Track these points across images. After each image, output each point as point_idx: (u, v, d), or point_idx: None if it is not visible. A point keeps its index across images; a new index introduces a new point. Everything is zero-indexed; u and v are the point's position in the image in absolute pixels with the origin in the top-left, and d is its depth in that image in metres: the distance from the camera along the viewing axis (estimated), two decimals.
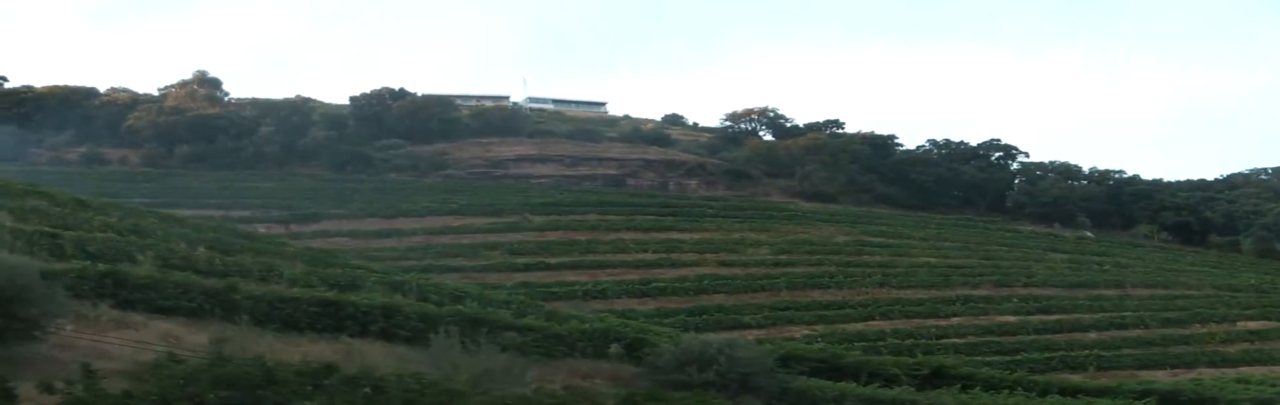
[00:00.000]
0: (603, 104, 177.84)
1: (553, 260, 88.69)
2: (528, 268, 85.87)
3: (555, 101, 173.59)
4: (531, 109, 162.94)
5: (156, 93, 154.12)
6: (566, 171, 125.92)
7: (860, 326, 77.33)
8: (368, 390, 22.15)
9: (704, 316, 73.38)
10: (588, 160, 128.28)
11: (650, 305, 78.70)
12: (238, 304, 34.27)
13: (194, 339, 32.88)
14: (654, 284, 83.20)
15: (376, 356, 29.14)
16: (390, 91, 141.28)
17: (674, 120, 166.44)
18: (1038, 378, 39.89)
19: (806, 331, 74.64)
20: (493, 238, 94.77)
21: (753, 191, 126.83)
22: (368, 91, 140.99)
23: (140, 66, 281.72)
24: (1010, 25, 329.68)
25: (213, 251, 42.92)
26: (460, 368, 26.32)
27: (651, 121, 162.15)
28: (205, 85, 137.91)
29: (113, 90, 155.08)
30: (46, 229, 38.34)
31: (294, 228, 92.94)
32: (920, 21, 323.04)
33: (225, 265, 39.81)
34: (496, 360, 30.41)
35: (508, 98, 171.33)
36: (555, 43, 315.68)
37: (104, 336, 31.59)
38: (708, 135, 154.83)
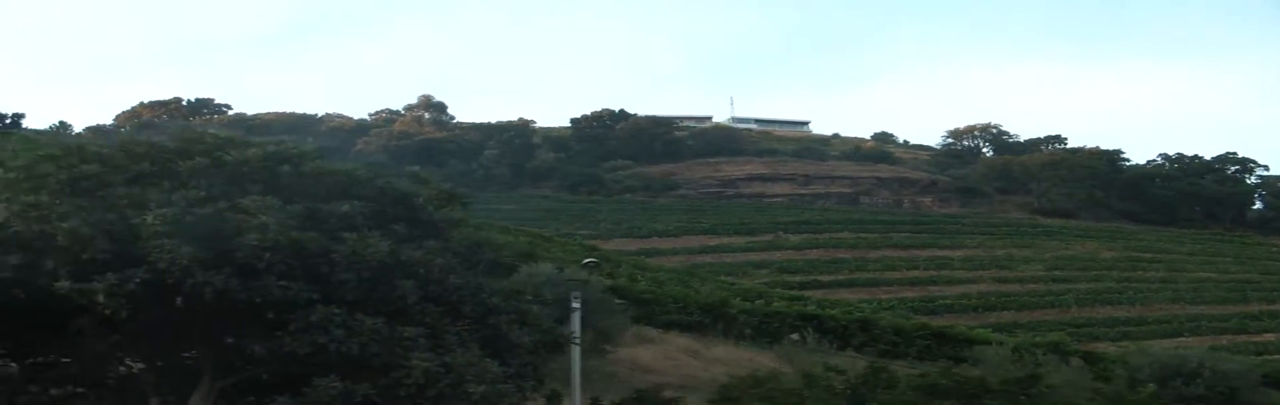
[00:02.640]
0: (806, 123, 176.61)
1: (825, 278, 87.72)
2: (802, 286, 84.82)
3: (758, 121, 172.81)
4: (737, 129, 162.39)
5: (368, 117, 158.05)
6: (799, 190, 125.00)
7: (1169, 343, 74.58)
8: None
9: None
10: (820, 179, 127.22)
11: (937, 323, 77.15)
12: (733, 318, 34.13)
13: (712, 353, 32.73)
14: (938, 301, 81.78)
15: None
16: (610, 113, 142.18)
17: (885, 138, 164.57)
18: None
19: (1113, 349, 72.38)
20: (753, 257, 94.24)
21: (990, 209, 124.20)
22: (588, 113, 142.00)
23: (339, 91, 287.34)
24: (1218, 35, 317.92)
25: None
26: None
27: (862, 140, 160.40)
28: (431, 109, 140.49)
29: (328, 116, 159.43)
30: None
31: None
32: (1124, 35, 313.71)
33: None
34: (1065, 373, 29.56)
35: (711, 118, 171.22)
36: (746, 62, 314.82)
37: (635, 350, 31.54)
38: (925, 153, 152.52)
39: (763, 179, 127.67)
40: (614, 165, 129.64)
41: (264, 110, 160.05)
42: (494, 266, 18.89)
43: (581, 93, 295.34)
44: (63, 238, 15.85)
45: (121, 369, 18.28)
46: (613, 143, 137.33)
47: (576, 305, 23.23)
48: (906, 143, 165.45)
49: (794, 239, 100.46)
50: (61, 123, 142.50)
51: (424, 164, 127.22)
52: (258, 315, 16.31)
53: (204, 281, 15.54)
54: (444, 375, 15.96)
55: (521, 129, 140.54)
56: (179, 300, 16.23)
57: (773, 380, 22.95)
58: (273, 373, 17.57)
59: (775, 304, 35.68)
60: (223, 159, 16.91)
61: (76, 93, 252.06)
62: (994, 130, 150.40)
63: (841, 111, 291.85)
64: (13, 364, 17.75)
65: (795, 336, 30.77)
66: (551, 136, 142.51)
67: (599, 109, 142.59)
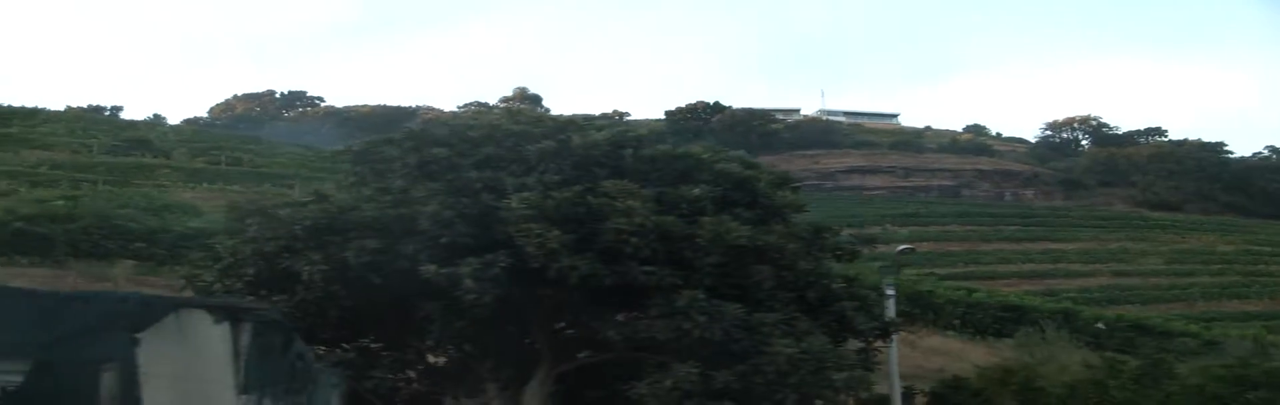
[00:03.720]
0: (895, 116, 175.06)
1: (940, 271, 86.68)
2: (918, 280, 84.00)
3: (847, 113, 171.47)
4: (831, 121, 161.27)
5: (458, 109, 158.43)
6: (900, 183, 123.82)
7: None
8: None
9: None
10: (920, 171, 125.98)
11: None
12: (941, 308, 33.68)
13: (926, 343, 32.36)
14: (1061, 295, 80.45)
15: None
16: (705, 105, 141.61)
17: (978, 131, 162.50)
18: None
19: None
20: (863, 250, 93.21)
21: (1093, 201, 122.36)
22: (683, 106, 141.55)
23: (429, 84, 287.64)
24: None
25: None
26: None
27: (955, 132, 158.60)
28: (526, 101, 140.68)
29: (422, 108, 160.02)
30: None
31: None
32: (1221, 24, 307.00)
33: None
34: None
35: (799, 110, 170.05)
36: (832, 54, 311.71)
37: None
38: (1021, 145, 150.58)
39: (862, 171, 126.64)
40: None
41: (356, 103, 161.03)
42: (834, 252, 18.59)
43: (670, 85, 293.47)
44: (425, 222, 15.79)
45: (455, 354, 18.25)
46: (708, 135, 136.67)
47: (891, 292, 22.97)
48: (1000, 135, 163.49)
49: (902, 232, 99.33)
50: (155, 115, 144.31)
51: None
52: (614, 300, 16.18)
53: (570, 265, 15.44)
54: (805, 362, 15.76)
55: (616, 121, 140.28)
56: (536, 285, 16.13)
57: (1027, 370, 22.62)
58: (611, 359, 17.47)
59: (976, 295, 35.16)
60: (569, 142, 16.77)
61: (167, 85, 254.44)
62: (1093, 122, 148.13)
63: (929, 104, 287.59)
64: (350, 350, 17.75)
65: (1101, 325, 30.32)
66: (649, 128, 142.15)
67: (693, 101, 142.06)
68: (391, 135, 18.33)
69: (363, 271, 15.91)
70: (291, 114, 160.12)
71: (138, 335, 10.51)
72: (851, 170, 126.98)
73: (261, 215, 16.84)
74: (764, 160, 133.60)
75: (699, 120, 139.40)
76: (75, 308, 10.79)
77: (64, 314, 10.60)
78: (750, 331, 15.69)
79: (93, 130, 49.89)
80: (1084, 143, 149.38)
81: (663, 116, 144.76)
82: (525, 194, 15.62)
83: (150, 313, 10.66)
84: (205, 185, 39.12)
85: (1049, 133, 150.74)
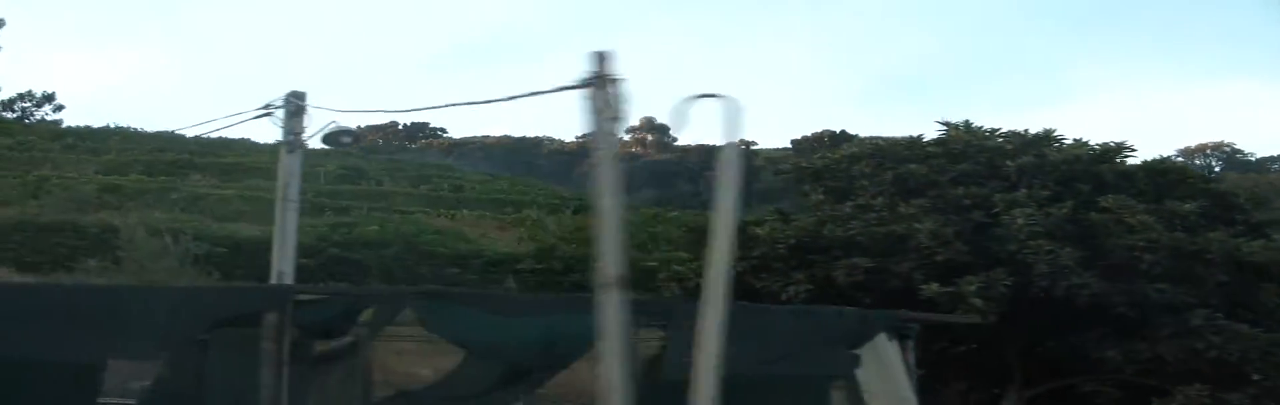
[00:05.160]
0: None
1: None
2: None
3: None
4: None
5: (578, 140, 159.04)
6: None
7: None
8: None
9: None
10: None
11: None
12: None
13: None
14: None
15: None
16: (831, 134, 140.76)
17: None
18: None
19: None
20: None
21: None
22: (809, 135, 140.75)
23: (549, 114, 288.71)
24: None
25: None
26: None
27: None
28: (654, 132, 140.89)
29: (545, 139, 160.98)
30: None
31: None
32: None
33: None
34: None
35: (921, 137, 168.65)
36: (942, 82, 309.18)
37: None
38: None
39: None
40: None
41: (476, 133, 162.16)
42: None
43: (790, 114, 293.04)
44: (923, 239, 15.36)
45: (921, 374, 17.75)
46: None
47: None
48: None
49: None
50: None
51: (652, 186, 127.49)
52: (1107, 319, 15.59)
53: (1079, 284, 14.89)
54: None
55: (743, 150, 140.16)
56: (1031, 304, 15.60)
57: None
58: (1076, 383, 16.88)
59: None
60: (1047, 157, 16.33)
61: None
62: (1227, 148, 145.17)
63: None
64: None
65: None
66: (773, 158, 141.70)
67: (819, 130, 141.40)
68: (853, 151, 18.04)
69: (850, 290, 15.50)
70: (416, 145, 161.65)
71: (856, 351, 10.19)
72: None
73: (736, 234, 16.51)
74: None
75: (826, 148, 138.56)
76: (799, 322, 10.50)
77: (790, 328, 10.31)
78: (1265, 353, 15.03)
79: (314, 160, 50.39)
80: (1217, 169, 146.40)
81: (789, 145, 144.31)
82: (1025, 209, 15.16)
83: (867, 329, 10.34)
84: (447, 211, 39.11)
85: (1181, 159, 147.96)
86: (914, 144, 17.28)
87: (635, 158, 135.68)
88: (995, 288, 14.87)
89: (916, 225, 15.37)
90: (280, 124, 13.01)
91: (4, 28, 73.95)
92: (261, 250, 28.42)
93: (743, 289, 16.41)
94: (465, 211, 39.05)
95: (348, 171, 46.70)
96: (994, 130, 17.43)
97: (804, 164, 18.91)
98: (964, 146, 16.60)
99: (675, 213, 38.05)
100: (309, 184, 43.17)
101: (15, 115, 77.19)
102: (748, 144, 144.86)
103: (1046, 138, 16.94)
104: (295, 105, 12.63)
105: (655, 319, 9.86)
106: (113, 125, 63.41)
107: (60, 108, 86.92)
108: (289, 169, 13.48)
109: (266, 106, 12.86)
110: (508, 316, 9.19)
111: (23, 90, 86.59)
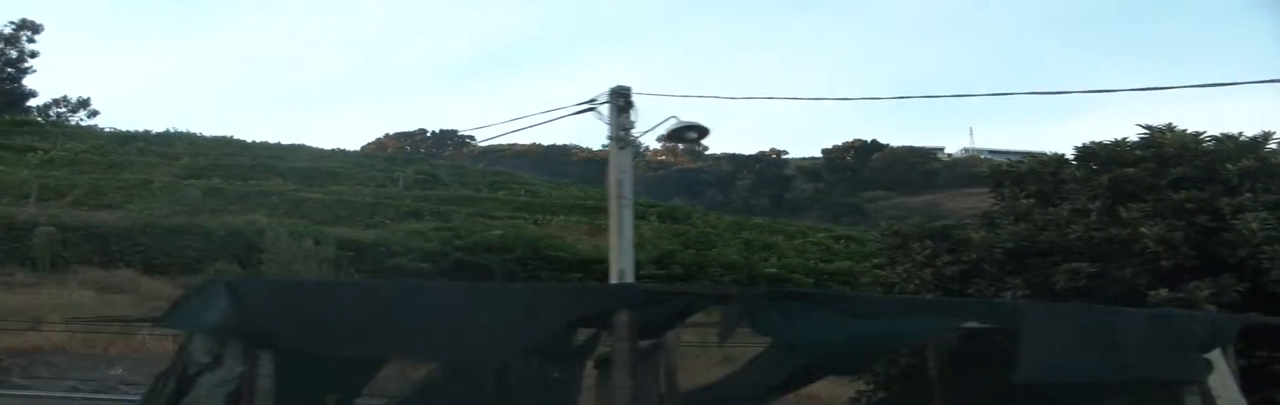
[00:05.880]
0: (1043, 154, 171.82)
1: None
2: None
3: (991, 152, 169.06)
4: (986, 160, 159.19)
5: (602, 147, 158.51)
6: None
7: None
8: None
9: None
10: None
11: None
12: None
13: None
14: None
15: None
16: (862, 143, 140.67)
17: None
18: None
19: None
20: None
21: None
22: (840, 144, 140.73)
23: (575, 123, 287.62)
24: None
25: None
26: None
27: None
28: (685, 140, 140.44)
29: (574, 147, 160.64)
30: None
31: None
32: None
33: None
34: None
35: (942, 148, 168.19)
36: (971, 89, 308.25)
37: None
38: None
39: None
40: (874, 195, 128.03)
41: (505, 141, 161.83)
42: None
43: (820, 123, 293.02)
44: (1150, 244, 14.94)
45: None
46: (866, 173, 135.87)
47: None
48: None
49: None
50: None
51: (682, 194, 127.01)
52: None
53: None
54: None
55: (773, 159, 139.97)
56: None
57: None
58: None
59: None
60: (1269, 160, 15.89)
61: (312, 120, 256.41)
62: None
63: (1073, 141, 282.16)
64: None
65: None
66: (803, 167, 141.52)
67: (850, 139, 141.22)
68: (1059, 154, 17.66)
69: (1069, 296, 15.07)
70: (447, 152, 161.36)
71: (1207, 357, 9.79)
72: None
73: (945, 239, 16.17)
74: (928, 199, 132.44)
75: (857, 158, 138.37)
76: (1155, 326, 10.07)
77: (1147, 331, 9.89)
78: None
79: (377, 165, 50.39)
80: None
81: (820, 155, 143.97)
82: (1258, 213, 14.74)
83: (1222, 333, 9.94)
84: (542, 217, 38.79)
85: None
86: (1120, 146, 16.79)
87: (666, 166, 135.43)
88: (1227, 293, 14.47)
89: (1141, 230, 14.94)
90: (606, 120, 12.70)
91: (42, 33, 73.72)
92: (383, 253, 28.35)
93: (954, 293, 16.08)
94: (563, 217, 38.73)
95: (424, 177, 46.45)
96: (1198, 133, 16.98)
97: (1005, 167, 18.45)
98: (1178, 150, 16.13)
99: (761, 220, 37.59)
100: (387, 189, 43.25)
101: (48, 120, 77.04)
102: (779, 153, 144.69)
103: (1264, 140, 16.45)
104: (623, 101, 12.28)
105: (1003, 321, 9.49)
106: (171, 130, 63.24)
107: (95, 113, 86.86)
108: (620, 165, 13.20)
109: (590, 101, 12.53)
110: (859, 318, 8.77)
111: (57, 96, 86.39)
